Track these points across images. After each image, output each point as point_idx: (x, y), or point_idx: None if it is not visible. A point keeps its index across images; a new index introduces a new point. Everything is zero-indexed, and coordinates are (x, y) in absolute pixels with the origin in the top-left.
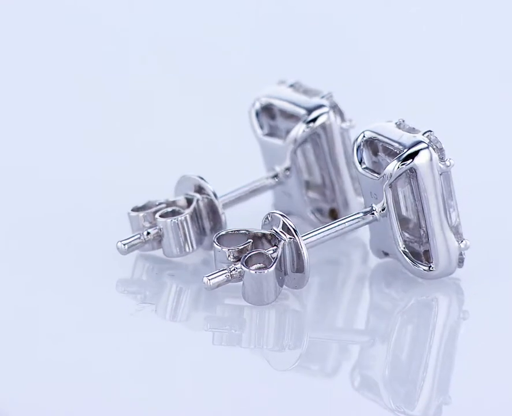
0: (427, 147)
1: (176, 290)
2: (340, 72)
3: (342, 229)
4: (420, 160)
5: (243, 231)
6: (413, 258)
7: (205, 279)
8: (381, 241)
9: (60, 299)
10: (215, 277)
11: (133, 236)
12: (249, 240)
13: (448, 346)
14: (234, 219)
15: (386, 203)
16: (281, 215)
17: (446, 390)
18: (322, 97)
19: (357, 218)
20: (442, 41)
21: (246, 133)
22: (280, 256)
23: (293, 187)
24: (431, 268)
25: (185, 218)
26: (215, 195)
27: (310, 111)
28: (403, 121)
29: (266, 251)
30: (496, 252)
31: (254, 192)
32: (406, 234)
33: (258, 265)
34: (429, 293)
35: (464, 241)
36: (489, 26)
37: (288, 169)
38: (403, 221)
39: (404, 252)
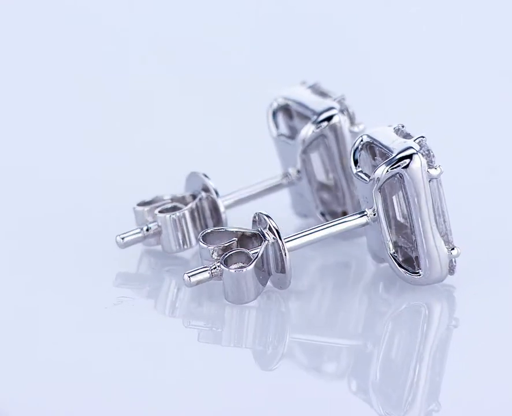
0: (416, 153)
1: (174, 286)
2: (341, 72)
3: (331, 231)
4: (407, 166)
5: (230, 230)
6: (402, 263)
7: (185, 276)
8: (375, 245)
9: (60, 298)
10: (196, 274)
11: (132, 230)
12: (233, 239)
13: (439, 353)
14: (245, 217)
15: (376, 207)
16: (266, 216)
17: (437, 397)
18: (334, 99)
19: (348, 221)
20: (442, 41)
21: (247, 132)
22: (262, 256)
23: (304, 188)
24: (418, 274)
25: (183, 214)
26: (216, 193)
27: (319, 113)
28: (403, 126)
29: (247, 250)
30: (489, 261)
31: (265, 191)
32: (402, 240)
33: (240, 264)
34: (422, 299)
35: (455, 249)
36: (489, 26)
37: (299, 170)
38: (399, 227)
39: (394, 257)
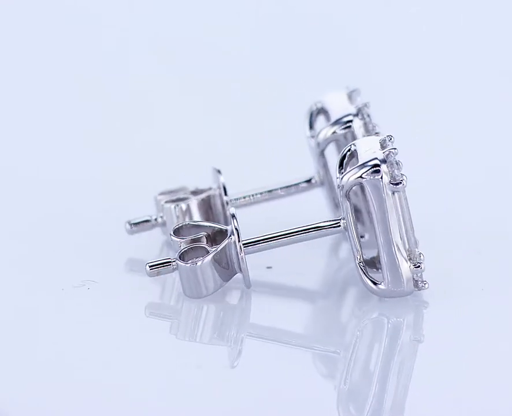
0: (378, 164)
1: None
2: (340, 73)
3: (303, 236)
4: (367, 176)
5: (204, 225)
6: (367, 274)
7: (146, 267)
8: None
9: (60, 298)
10: (156, 265)
11: (141, 218)
12: (202, 233)
13: (403, 368)
14: (263, 217)
15: (343, 214)
16: (232, 215)
17: (401, 412)
18: (356, 106)
19: (322, 227)
20: (442, 41)
21: (250, 133)
22: (223, 252)
23: (325, 191)
24: (380, 286)
25: (188, 205)
26: (225, 189)
27: (336, 118)
28: (390, 138)
29: (207, 246)
30: (468, 279)
31: (289, 191)
32: None
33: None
34: (393, 312)
35: (418, 264)
36: (489, 26)
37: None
38: None
39: (360, 266)
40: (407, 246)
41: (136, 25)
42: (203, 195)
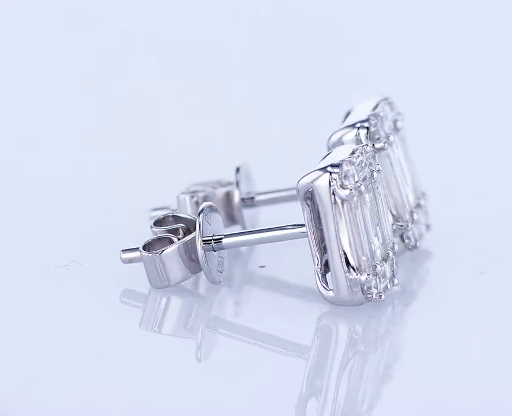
0: (325, 172)
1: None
2: (339, 73)
3: (267, 237)
4: (316, 183)
5: (185, 217)
6: (321, 280)
7: (120, 253)
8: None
9: (60, 299)
10: (129, 253)
11: (162, 207)
12: (180, 224)
13: (359, 376)
14: (272, 217)
15: (303, 218)
16: (201, 209)
17: None
18: (368, 114)
19: (286, 229)
20: (442, 42)
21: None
22: (189, 244)
23: None
24: (329, 293)
25: (204, 197)
26: (237, 185)
27: (349, 123)
28: (365, 147)
29: (175, 237)
30: (443, 292)
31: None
32: None
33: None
34: (351, 319)
35: (364, 275)
36: (490, 26)
37: None
38: None
39: (316, 272)
40: (360, 255)
41: (136, 25)
42: (224, 189)
